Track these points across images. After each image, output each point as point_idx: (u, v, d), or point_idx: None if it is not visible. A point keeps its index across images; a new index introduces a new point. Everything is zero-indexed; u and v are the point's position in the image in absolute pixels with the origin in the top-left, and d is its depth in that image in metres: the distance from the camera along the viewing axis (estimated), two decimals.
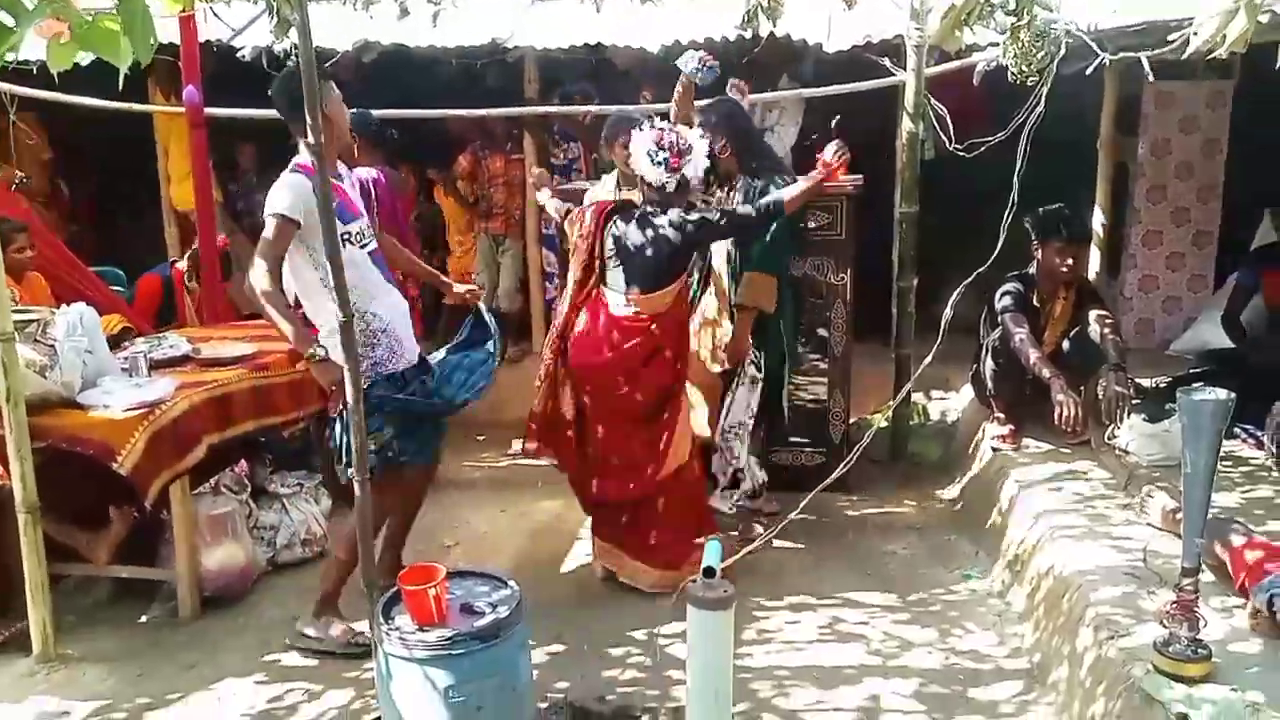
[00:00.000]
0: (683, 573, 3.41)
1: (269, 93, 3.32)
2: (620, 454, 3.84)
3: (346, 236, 3.28)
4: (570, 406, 3.87)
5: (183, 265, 5.27)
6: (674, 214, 3.70)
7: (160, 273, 5.35)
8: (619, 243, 3.75)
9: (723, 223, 3.78)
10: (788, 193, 3.85)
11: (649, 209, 3.75)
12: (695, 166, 3.70)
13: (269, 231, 3.26)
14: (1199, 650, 2.64)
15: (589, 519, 4.09)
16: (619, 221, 3.77)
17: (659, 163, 3.66)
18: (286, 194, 3.27)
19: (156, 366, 4.05)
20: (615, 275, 3.77)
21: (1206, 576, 3.00)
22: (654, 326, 3.74)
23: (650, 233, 3.70)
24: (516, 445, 5.33)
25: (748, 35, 4.49)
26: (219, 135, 5.65)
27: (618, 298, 3.77)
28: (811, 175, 3.94)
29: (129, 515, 3.74)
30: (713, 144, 4.06)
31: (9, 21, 1.83)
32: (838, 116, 4.13)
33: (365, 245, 3.40)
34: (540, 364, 3.95)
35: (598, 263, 3.81)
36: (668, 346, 3.79)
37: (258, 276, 3.21)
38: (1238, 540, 3.08)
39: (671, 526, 3.88)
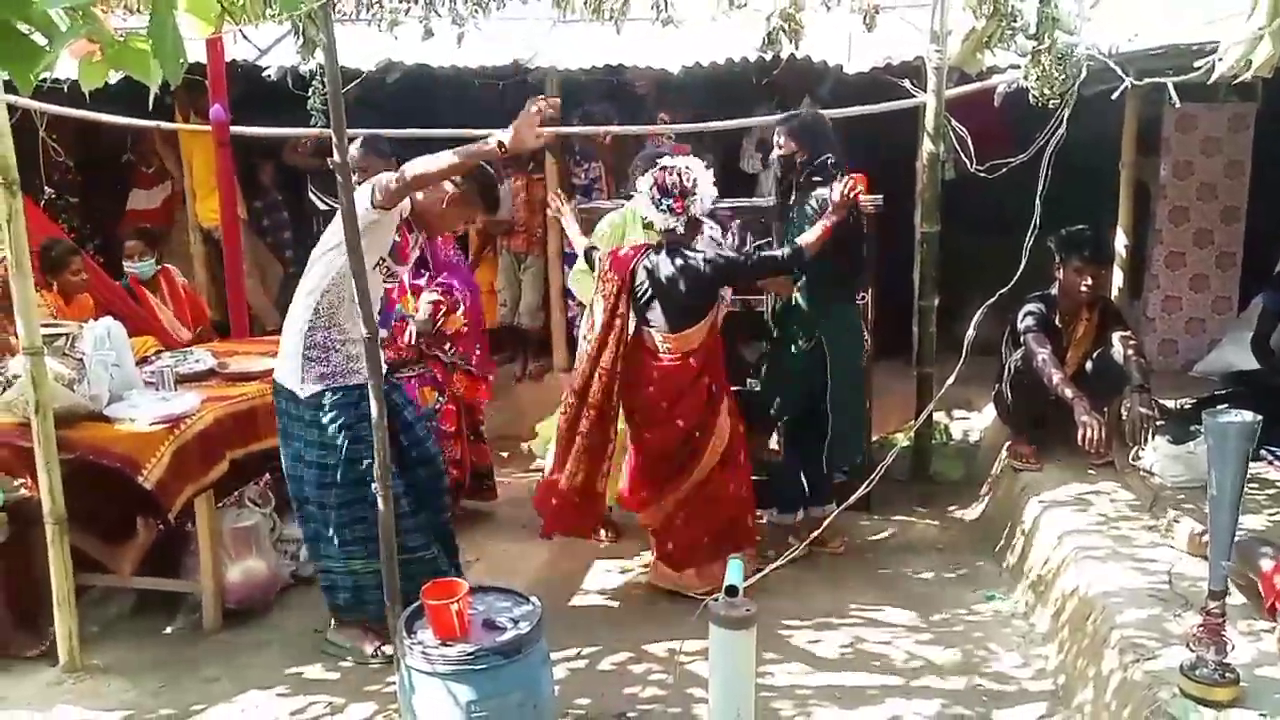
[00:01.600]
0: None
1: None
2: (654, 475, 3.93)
3: (381, 261, 3.38)
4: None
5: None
6: (700, 261, 3.76)
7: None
8: (652, 277, 3.79)
9: (750, 265, 3.92)
10: (806, 238, 3.86)
11: (675, 256, 3.78)
12: (702, 201, 3.74)
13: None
14: (1226, 674, 2.62)
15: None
16: (650, 256, 3.82)
17: (664, 209, 3.71)
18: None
19: (182, 381, 4.10)
20: (653, 312, 3.83)
21: (1234, 599, 2.97)
22: (691, 360, 3.82)
23: (682, 265, 3.75)
24: (524, 446, 5.30)
25: (769, 57, 4.52)
26: (242, 152, 5.73)
27: (657, 335, 3.83)
28: (824, 219, 3.89)
29: (154, 527, 3.77)
30: (792, 150, 4.10)
31: (43, 42, 1.86)
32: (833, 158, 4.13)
33: (387, 281, 3.52)
34: (574, 433, 3.88)
35: (628, 307, 3.85)
36: (705, 374, 3.86)
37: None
38: (1267, 564, 3.05)
39: (717, 534, 3.94)
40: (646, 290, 3.81)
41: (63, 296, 4.51)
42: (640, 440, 3.96)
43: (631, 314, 3.88)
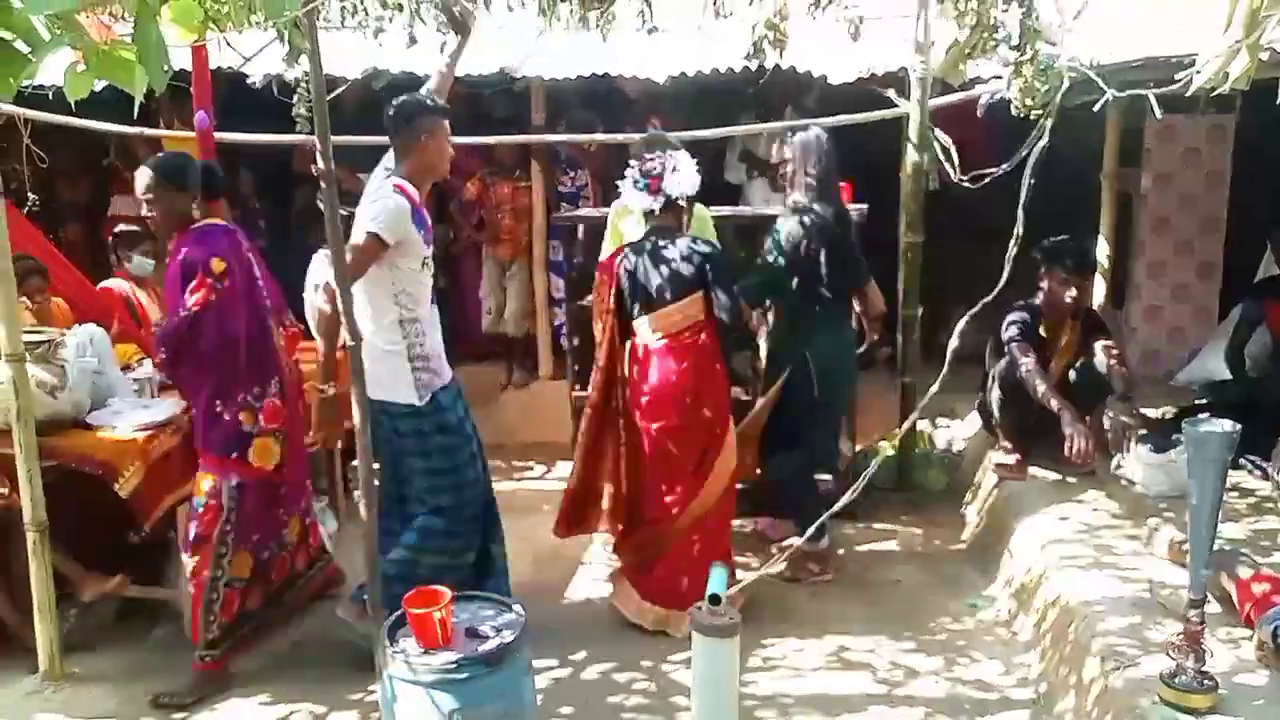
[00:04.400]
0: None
1: (390, 115, 3.44)
2: (667, 481, 3.82)
3: (425, 260, 3.40)
4: (609, 469, 3.97)
5: None
6: (682, 244, 3.78)
7: (115, 286, 5.22)
8: (632, 275, 3.81)
9: (726, 278, 3.79)
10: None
11: (656, 240, 3.81)
12: (680, 183, 3.80)
13: (358, 244, 3.20)
14: (1205, 682, 2.64)
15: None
16: (629, 255, 3.85)
17: (641, 189, 3.81)
18: (383, 214, 3.24)
19: (165, 388, 4.07)
20: (636, 307, 3.82)
21: (1213, 608, 3.00)
22: (702, 335, 3.78)
23: (659, 259, 3.78)
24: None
25: (754, 67, 4.54)
26: (221, 161, 5.69)
27: (645, 329, 3.81)
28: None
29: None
30: (780, 161, 4.21)
31: (25, 49, 1.86)
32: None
33: (432, 271, 3.52)
34: (580, 437, 4.01)
35: (618, 308, 3.86)
36: (717, 359, 3.83)
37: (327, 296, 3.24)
38: (1245, 573, 3.08)
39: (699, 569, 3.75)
40: (628, 286, 3.82)
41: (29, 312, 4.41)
42: (645, 442, 3.85)
43: (623, 308, 3.87)
